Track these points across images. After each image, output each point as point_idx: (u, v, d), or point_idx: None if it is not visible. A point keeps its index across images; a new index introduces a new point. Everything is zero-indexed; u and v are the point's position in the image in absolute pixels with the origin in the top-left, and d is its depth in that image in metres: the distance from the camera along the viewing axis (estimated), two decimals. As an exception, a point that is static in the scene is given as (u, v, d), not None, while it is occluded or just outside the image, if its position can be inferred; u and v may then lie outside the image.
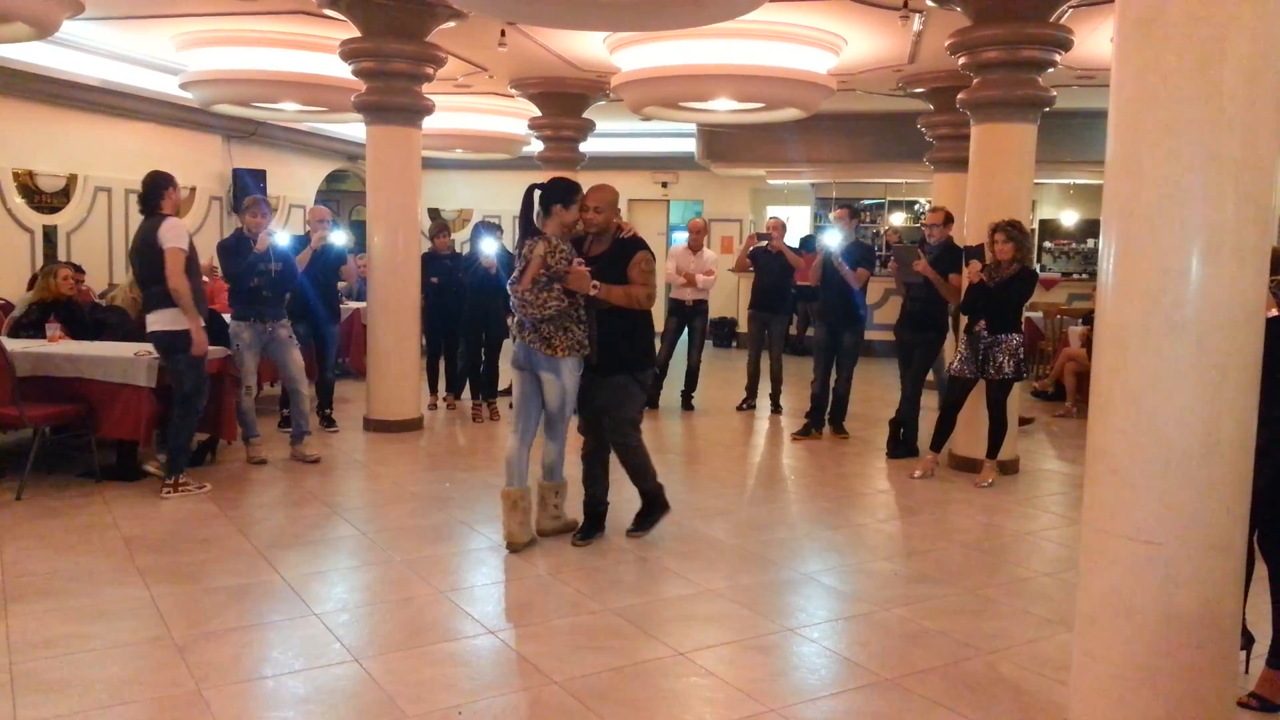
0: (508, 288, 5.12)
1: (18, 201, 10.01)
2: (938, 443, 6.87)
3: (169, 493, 5.95)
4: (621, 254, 5.09)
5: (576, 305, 4.97)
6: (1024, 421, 8.25)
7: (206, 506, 5.81)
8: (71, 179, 10.69)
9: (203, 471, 6.54)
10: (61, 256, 10.16)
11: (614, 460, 5.35)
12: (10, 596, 4.29)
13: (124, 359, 6.08)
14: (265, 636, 3.99)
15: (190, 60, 9.92)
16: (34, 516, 5.51)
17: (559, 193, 5.00)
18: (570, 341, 4.96)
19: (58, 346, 6.36)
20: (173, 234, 5.73)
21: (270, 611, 4.24)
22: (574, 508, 5.44)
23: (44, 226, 10.36)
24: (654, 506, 5.44)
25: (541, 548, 5.20)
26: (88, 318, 7.24)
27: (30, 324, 6.93)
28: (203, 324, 5.90)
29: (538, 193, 5.06)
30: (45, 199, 10.47)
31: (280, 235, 7.11)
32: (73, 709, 3.30)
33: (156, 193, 5.87)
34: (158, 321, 5.81)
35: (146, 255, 5.79)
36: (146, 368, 5.99)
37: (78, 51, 9.84)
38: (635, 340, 5.14)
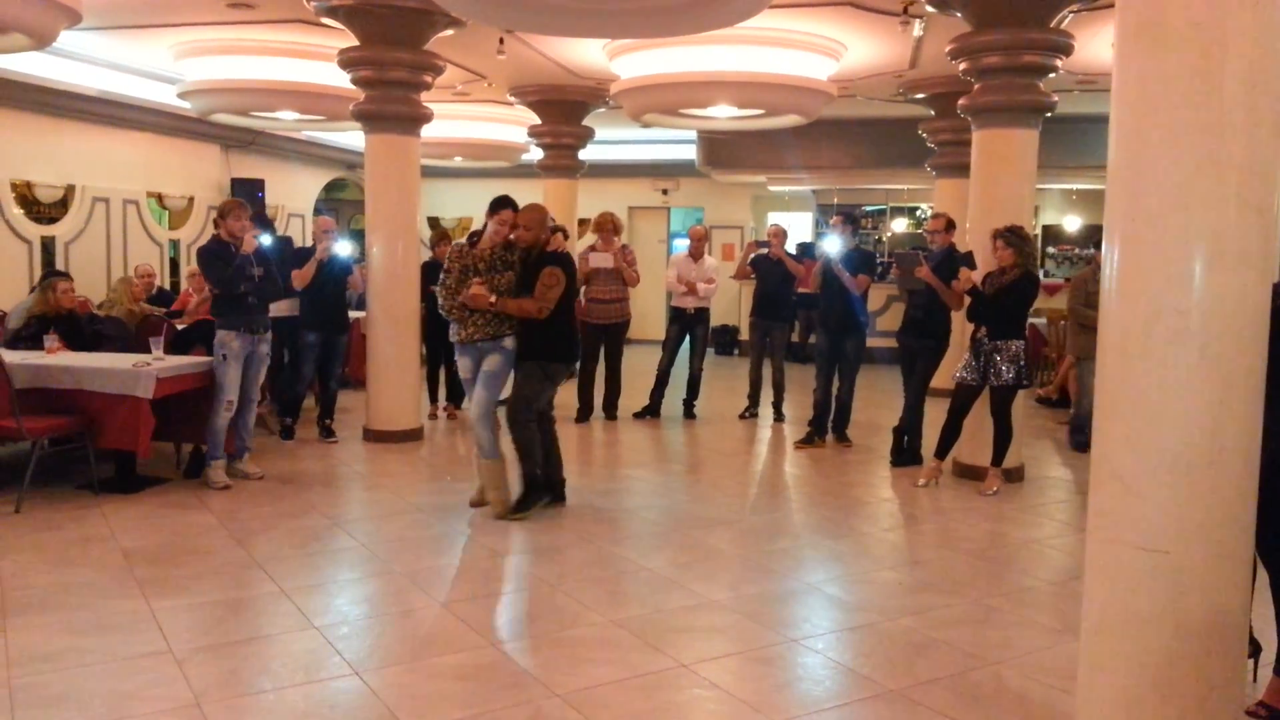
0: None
1: (15, 212, 9.99)
2: (942, 450, 6.84)
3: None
4: (540, 267, 5.74)
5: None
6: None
7: (205, 518, 5.79)
8: (69, 189, 10.67)
9: (192, 485, 6.53)
10: (60, 267, 10.13)
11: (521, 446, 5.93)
12: (9, 610, 4.27)
13: (123, 370, 6.05)
14: (265, 650, 3.97)
15: (188, 70, 9.91)
16: (33, 529, 5.49)
17: (491, 203, 5.83)
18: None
19: (56, 358, 6.34)
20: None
21: (270, 624, 4.22)
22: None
23: (42, 237, 10.34)
24: (532, 489, 5.88)
25: (544, 557, 5.18)
26: (86, 329, 7.21)
27: (29, 336, 6.90)
28: None
29: None
30: (43, 210, 10.44)
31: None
32: (70, 725, 3.28)
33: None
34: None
35: None
36: (145, 379, 5.97)
37: (75, 62, 9.84)
38: (544, 335, 5.76)
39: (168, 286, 11.21)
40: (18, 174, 10.05)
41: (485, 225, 5.89)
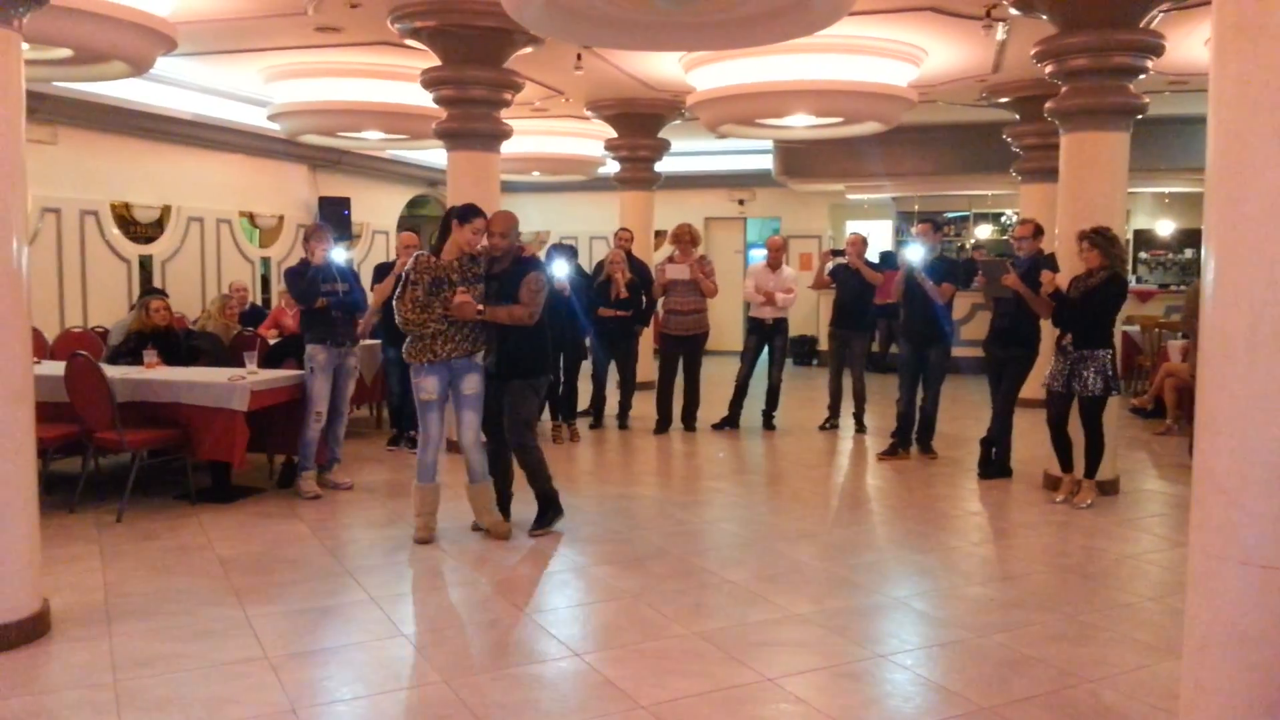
0: (393, 304, 5.60)
1: (115, 233, 10.40)
2: (1068, 464, 6.64)
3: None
4: (518, 273, 5.56)
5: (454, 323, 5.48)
6: None
7: (297, 528, 5.93)
8: (165, 210, 11.08)
9: (284, 495, 6.70)
10: (157, 285, 10.51)
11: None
12: (113, 616, 4.43)
13: (219, 384, 6.25)
14: (356, 657, 4.05)
15: (277, 92, 10.22)
16: (134, 538, 5.69)
17: (456, 212, 5.55)
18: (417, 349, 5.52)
19: (155, 373, 6.57)
20: None
21: (360, 632, 4.30)
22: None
23: (140, 256, 10.75)
24: (549, 507, 5.83)
25: (626, 568, 5.19)
26: (183, 345, 7.47)
27: (128, 352, 7.18)
28: None
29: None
30: (141, 230, 10.87)
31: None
32: (172, 729, 3.38)
33: None
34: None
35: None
36: (240, 392, 6.15)
37: (171, 87, 10.23)
38: (531, 350, 5.63)
39: (260, 303, 11.54)
40: (117, 196, 10.47)
41: (443, 235, 5.61)
